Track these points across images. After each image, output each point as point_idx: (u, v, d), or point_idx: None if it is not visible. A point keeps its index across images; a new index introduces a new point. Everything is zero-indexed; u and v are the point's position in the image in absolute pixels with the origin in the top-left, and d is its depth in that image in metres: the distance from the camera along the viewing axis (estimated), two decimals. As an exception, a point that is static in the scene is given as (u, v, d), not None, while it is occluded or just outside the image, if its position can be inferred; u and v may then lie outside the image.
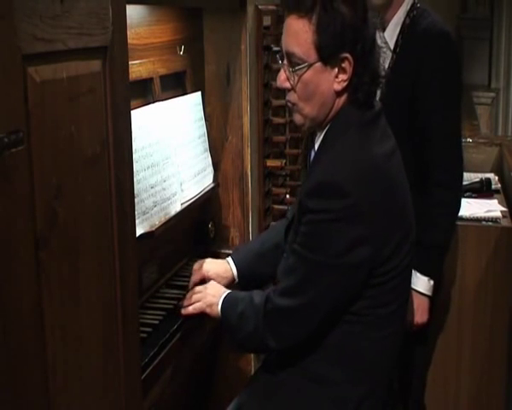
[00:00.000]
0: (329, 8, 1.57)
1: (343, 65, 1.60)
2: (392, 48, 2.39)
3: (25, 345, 1.07)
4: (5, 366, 1.02)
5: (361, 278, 1.59)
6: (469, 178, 3.33)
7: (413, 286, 2.28)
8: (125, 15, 1.36)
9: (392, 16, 2.38)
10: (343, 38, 1.58)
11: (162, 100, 2.09)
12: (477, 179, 3.29)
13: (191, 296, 1.86)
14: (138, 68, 2.00)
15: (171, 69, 2.22)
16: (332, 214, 1.53)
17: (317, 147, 1.72)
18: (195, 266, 2.05)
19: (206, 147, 2.37)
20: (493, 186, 3.29)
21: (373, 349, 1.67)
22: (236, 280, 2.01)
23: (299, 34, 1.61)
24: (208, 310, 1.82)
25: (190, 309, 1.84)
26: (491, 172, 3.71)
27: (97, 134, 1.27)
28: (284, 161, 2.75)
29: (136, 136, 1.78)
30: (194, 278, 2.02)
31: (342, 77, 1.61)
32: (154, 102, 2.06)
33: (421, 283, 2.31)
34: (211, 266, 2.03)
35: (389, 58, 2.40)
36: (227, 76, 2.45)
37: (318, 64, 1.61)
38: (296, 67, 1.62)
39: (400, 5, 2.37)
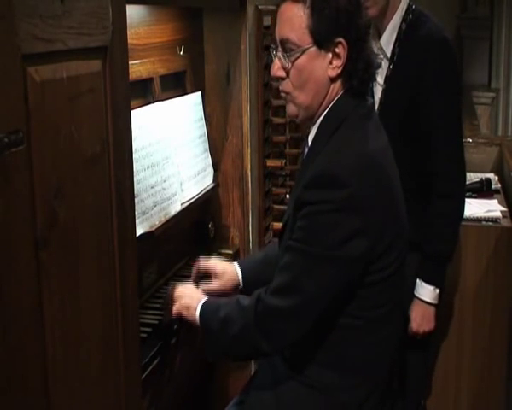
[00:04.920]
0: None
1: (337, 50, 1.60)
2: (388, 55, 2.35)
3: (25, 345, 1.07)
4: (5, 365, 1.02)
5: (356, 272, 1.57)
6: (469, 178, 3.32)
7: (418, 295, 2.33)
8: (125, 15, 1.36)
9: (388, 23, 2.34)
10: (337, 22, 1.59)
11: (162, 100, 2.09)
12: (477, 179, 3.29)
13: (169, 299, 1.84)
14: (138, 68, 2.00)
15: (171, 69, 2.22)
16: (330, 205, 1.51)
17: (310, 142, 1.70)
18: (201, 260, 2.02)
19: (206, 147, 2.37)
20: (493, 186, 3.29)
21: (369, 354, 1.67)
22: (241, 285, 1.99)
23: (293, 19, 1.61)
24: (185, 313, 1.79)
25: (168, 313, 1.83)
26: (491, 172, 3.71)
27: (97, 134, 1.27)
28: (284, 161, 2.75)
29: (136, 136, 1.78)
30: (197, 269, 2.01)
31: (336, 63, 1.61)
32: (154, 102, 2.06)
33: (426, 292, 2.32)
34: (219, 262, 2.01)
35: (386, 66, 2.36)
36: (227, 76, 2.45)
37: (313, 49, 1.60)
38: (290, 53, 1.62)
39: (395, 11, 2.33)
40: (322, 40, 1.60)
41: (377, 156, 1.60)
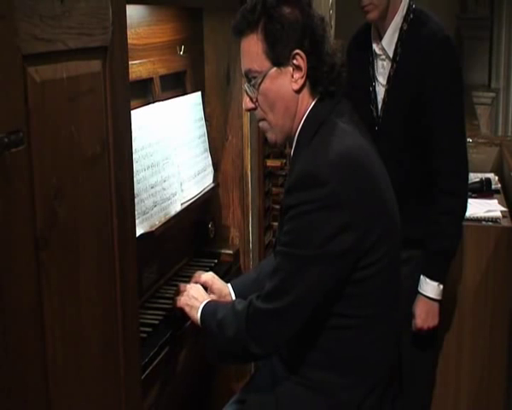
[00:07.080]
0: (275, 14, 1.62)
1: (296, 62, 1.63)
2: (391, 56, 2.35)
3: (25, 345, 1.07)
4: (5, 365, 1.02)
5: (344, 268, 1.57)
6: (469, 178, 3.32)
7: (423, 292, 2.36)
8: (125, 15, 1.36)
9: (389, 24, 2.34)
10: (291, 37, 1.62)
11: (162, 100, 2.09)
12: (477, 179, 3.29)
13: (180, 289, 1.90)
14: (138, 68, 2.00)
15: (171, 69, 2.22)
16: (313, 205, 1.53)
17: (292, 152, 1.73)
18: (197, 273, 2.03)
19: (206, 147, 2.37)
20: (493, 186, 3.29)
21: (367, 353, 1.66)
22: None
23: (250, 50, 1.66)
24: (187, 309, 1.83)
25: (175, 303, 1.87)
26: (491, 172, 3.70)
27: (97, 134, 1.27)
28: (284, 161, 2.75)
29: (136, 136, 1.78)
30: (196, 280, 2.01)
31: (298, 75, 1.64)
32: (154, 102, 2.06)
33: (430, 288, 2.35)
34: (217, 279, 2.02)
35: (389, 67, 2.37)
36: (227, 76, 2.45)
37: (273, 70, 1.64)
38: (254, 82, 1.66)
39: (396, 12, 2.33)
40: (279, 59, 1.63)
41: (355, 153, 1.61)
